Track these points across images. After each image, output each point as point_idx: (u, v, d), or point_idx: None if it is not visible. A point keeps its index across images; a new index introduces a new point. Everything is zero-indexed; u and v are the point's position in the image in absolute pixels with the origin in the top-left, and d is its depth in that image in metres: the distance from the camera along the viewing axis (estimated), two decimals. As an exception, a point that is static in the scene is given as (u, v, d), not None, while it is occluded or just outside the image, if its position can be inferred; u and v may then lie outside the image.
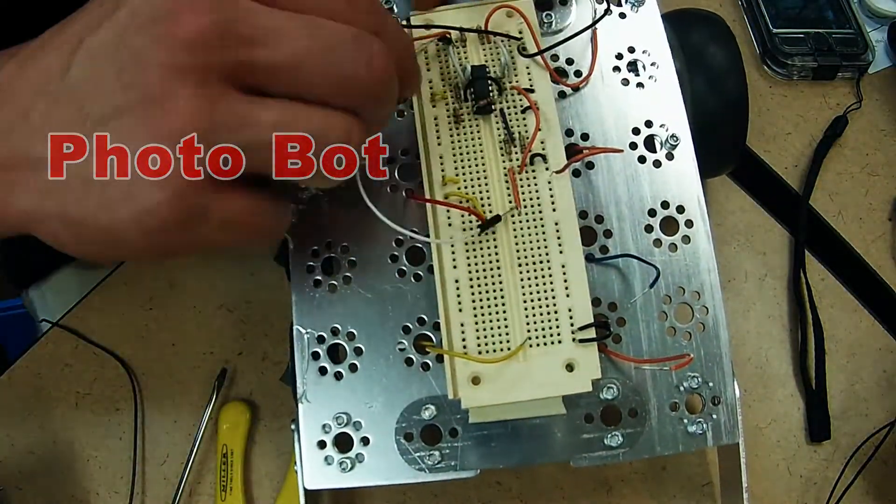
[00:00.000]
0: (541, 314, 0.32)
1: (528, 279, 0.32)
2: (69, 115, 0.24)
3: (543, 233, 0.33)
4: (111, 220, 0.24)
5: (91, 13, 0.25)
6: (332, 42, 0.25)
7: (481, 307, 0.32)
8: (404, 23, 0.36)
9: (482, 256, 0.32)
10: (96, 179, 0.24)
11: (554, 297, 0.32)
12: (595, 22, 0.37)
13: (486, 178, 0.33)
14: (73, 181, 0.24)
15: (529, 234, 0.33)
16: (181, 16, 0.23)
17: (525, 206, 0.33)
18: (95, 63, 0.24)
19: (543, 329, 0.32)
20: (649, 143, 0.37)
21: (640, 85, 0.37)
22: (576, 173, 0.36)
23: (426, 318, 0.35)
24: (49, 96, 0.24)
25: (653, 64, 0.37)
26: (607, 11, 0.37)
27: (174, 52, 0.23)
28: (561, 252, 0.32)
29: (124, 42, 0.24)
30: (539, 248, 0.33)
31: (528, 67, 0.35)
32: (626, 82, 0.37)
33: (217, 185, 0.24)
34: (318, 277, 0.35)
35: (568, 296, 0.32)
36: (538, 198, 0.33)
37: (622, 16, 0.38)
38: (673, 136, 0.36)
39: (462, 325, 0.32)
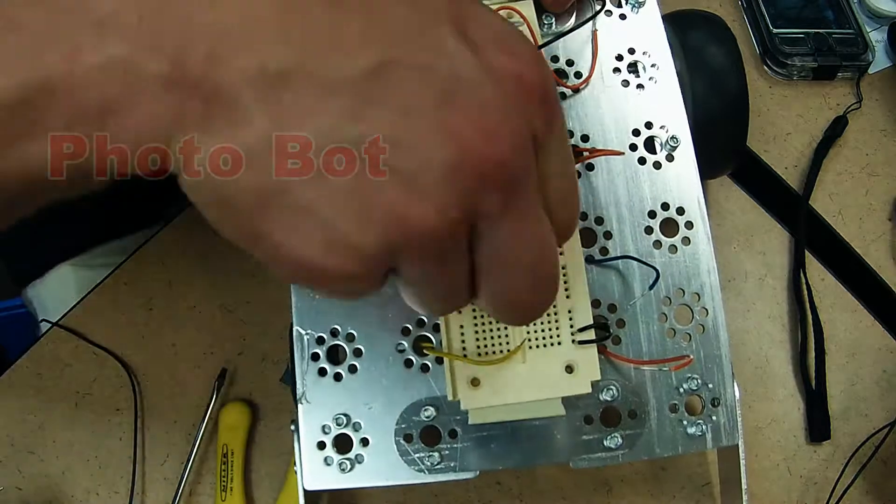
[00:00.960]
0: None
1: (528, 281, 0.32)
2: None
3: (543, 234, 0.33)
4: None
5: None
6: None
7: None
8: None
9: (482, 258, 0.32)
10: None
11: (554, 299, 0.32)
12: (591, 17, 0.37)
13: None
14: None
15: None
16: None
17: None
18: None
19: (543, 330, 0.32)
20: (649, 145, 0.37)
21: (640, 86, 0.37)
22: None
23: (425, 320, 0.35)
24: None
25: (653, 65, 0.37)
26: (602, 9, 0.37)
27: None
28: (561, 253, 0.32)
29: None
30: (539, 249, 0.32)
31: (527, 68, 0.35)
32: (626, 84, 0.37)
33: None
34: (318, 278, 0.35)
35: (568, 297, 0.32)
36: (538, 199, 0.33)
37: (622, 17, 0.38)
38: (673, 137, 0.36)
39: (461, 326, 0.32)
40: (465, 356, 0.31)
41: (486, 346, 0.31)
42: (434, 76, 0.20)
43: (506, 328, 0.32)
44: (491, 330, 0.32)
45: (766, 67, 0.54)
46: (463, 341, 0.31)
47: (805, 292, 0.47)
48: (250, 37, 0.19)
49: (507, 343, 0.32)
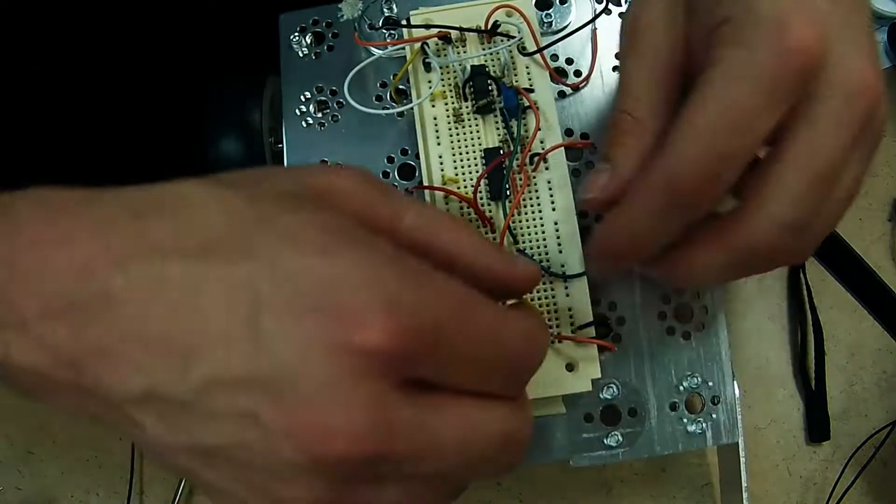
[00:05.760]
0: (540, 313, 0.32)
1: (528, 279, 0.32)
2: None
3: (543, 233, 0.33)
4: None
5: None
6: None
7: (481, 306, 0.32)
8: (404, 22, 0.36)
9: (482, 256, 0.32)
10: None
11: (554, 297, 0.32)
12: (592, 19, 0.37)
13: (485, 178, 0.33)
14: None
15: (529, 234, 0.33)
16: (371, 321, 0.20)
17: (524, 206, 0.33)
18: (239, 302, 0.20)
19: (543, 328, 0.32)
20: (649, 143, 0.37)
21: (639, 85, 0.37)
22: (575, 173, 0.36)
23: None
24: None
25: (652, 64, 0.37)
26: (605, 10, 0.37)
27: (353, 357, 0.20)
28: (560, 252, 0.32)
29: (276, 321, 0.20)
30: (539, 247, 0.33)
31: (527, 67, 0.35)
32: (625, 82, 0.37)
33: None
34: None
35: (567, 295, 0.32)
36: (538, 198, 0.33)
37: (622, 16, 0.38)
38: (672, 135, 0.36)
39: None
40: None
41: (485, 343, 0.31)
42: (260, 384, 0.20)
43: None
44: (491, 328, 0.32)
45: (765, 68, 0.54)
46: (463, 339, 0.31)
47: (805, 292, 0.47)
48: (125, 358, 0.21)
49: (507, 341, 0.31)
